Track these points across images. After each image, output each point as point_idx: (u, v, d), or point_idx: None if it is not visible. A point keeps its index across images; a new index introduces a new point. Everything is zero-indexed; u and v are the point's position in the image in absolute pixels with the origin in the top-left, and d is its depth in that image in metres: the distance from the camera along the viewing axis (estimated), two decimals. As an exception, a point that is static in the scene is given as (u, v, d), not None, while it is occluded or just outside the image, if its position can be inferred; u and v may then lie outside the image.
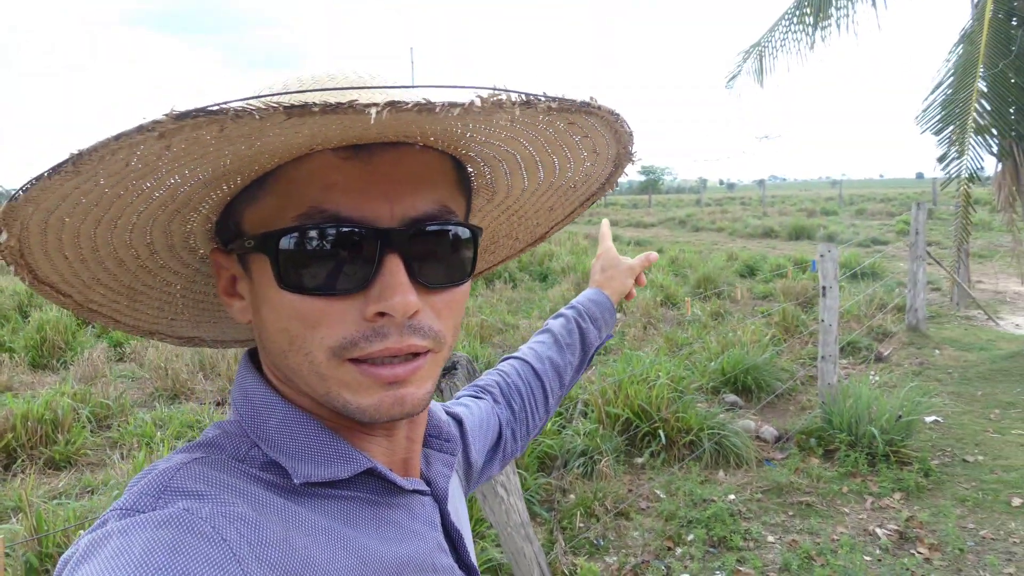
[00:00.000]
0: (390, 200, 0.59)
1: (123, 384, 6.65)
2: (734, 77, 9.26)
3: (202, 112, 0.43)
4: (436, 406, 0.80)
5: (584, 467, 4.60)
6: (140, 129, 0.43)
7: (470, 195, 0.71)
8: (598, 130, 0.63)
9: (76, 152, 0.46)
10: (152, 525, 0.50)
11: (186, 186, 0.56)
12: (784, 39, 8.15)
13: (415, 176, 0.60)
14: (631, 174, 0.87)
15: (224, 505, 0.54)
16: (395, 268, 0.58)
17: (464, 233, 0.64)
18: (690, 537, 3.89)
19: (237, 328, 0.83)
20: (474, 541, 3.56)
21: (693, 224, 25.27)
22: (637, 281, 1.32)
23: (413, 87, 0.52)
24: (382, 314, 0.58)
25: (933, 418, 5.50)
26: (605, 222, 1.41)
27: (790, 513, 4.20)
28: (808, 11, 7.80)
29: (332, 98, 0.44)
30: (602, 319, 1.25)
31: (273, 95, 0.46)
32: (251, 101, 0.43)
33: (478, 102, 0.48)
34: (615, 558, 3.74)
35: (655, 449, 4.85)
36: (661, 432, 4.87)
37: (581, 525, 4.02)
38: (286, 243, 0.58)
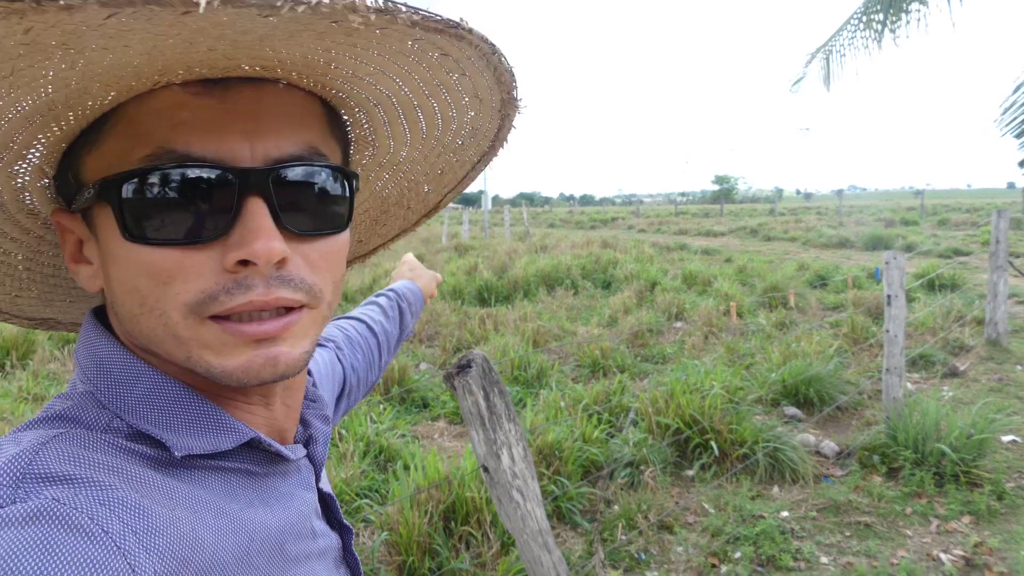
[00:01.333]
0: (250, 138, 0.53)
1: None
2: (799, 81, 8.94)
3: None
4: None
5: (630, 477, 4.46)
6: None
7: (347, 145, 0.66)
8: (475, 66, 0.56)
9: None
10: (16, 522, 0.42)
11: (3, 124, 0.49)
12: (852, 40, 7.82)
13: (278, 114, 0.55)
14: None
15: (102, 489, 0.48)
16: (257, 211, 0.52)
17: (336, 177, 0.59)
18: (737, 555, 3.71)
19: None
20: (502, 548, 3.49)
21: (765, 233, 24.60)
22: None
23: None
24: (245, 263, 0.52)
25: (1011, 438, 5.14)
26: (409, 255, 1.55)
27: (847, 533, 3.97)
28: (878, 10, 7.47)
29: None
30: (416, 305, 1.36)
31: None
32: None
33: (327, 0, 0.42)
34: (655, 573, 3.60)
35: (706, 461, 4.67)
36: (713, 443, 4.69)
37: (623, 537, 3.89)
38: (130, 188, 0.52)
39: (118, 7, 0.38)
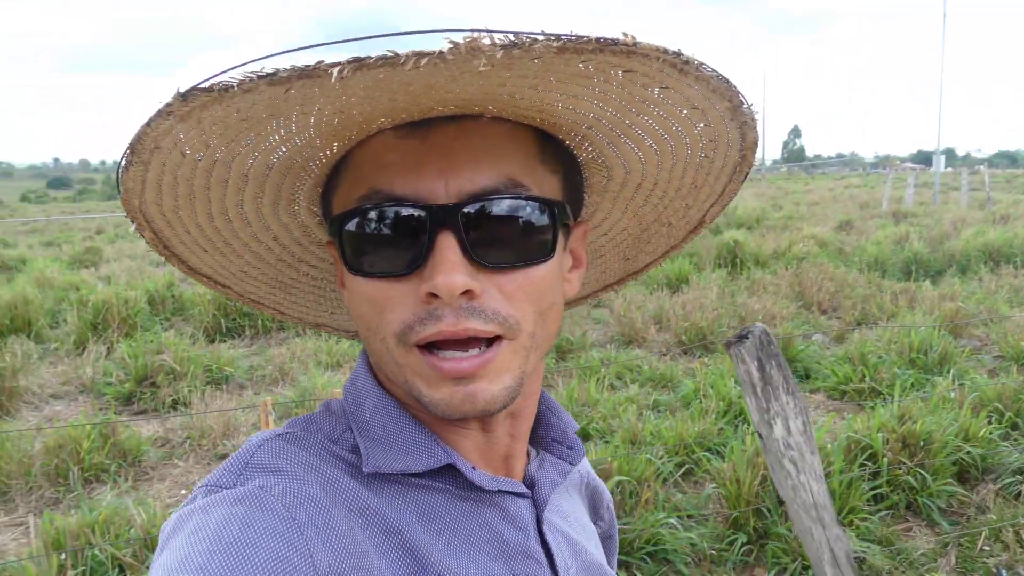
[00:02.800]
0: (444, 175, 0.56)
1: (588, 325, 7.74)
2: None
3: (195, 89, 0.44)
4: (566, 413, 0.76)
5: (1016, 487, 3.94)
6: (169, 105, 0.45)
7: (568, 170, 0.65)
8: (670, 76, 0.53)
9: (129, 144, 0.49)
10: (229, 501, 0.53)
11: (278, 173, 0.60)
12: None
13: (476, 149, 0.57)
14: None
15: (297, 483, 0.56)
16: (445, 245, 0.55)
17: (536, 207, 0.59)
18: None
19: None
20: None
21: None
22: None
23: (377, 36, 0.46)
24: (433, 295, 0.55)
25: None
26: None
27: None
28: None
29: (300, 62, 0.43)
30: None
31: (239, 66, 0.44)
32: (231, 73, 0.44)
33: (449, 46, 0.42)
34: (1015, 594, 3.23)
35: None
36: None
37: (985, 548, 3.53)
38: (347, 226, 0.58)
39: (276, 84, 0.44)
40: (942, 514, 3.83)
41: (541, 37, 0.44)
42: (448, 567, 0.59)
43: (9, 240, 19.74)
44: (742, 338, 2.28)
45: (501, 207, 0.57)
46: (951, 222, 13.72)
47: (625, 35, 0.47)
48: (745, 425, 4.70)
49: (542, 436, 0.74)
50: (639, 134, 0.63)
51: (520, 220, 0.58)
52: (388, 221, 0.57)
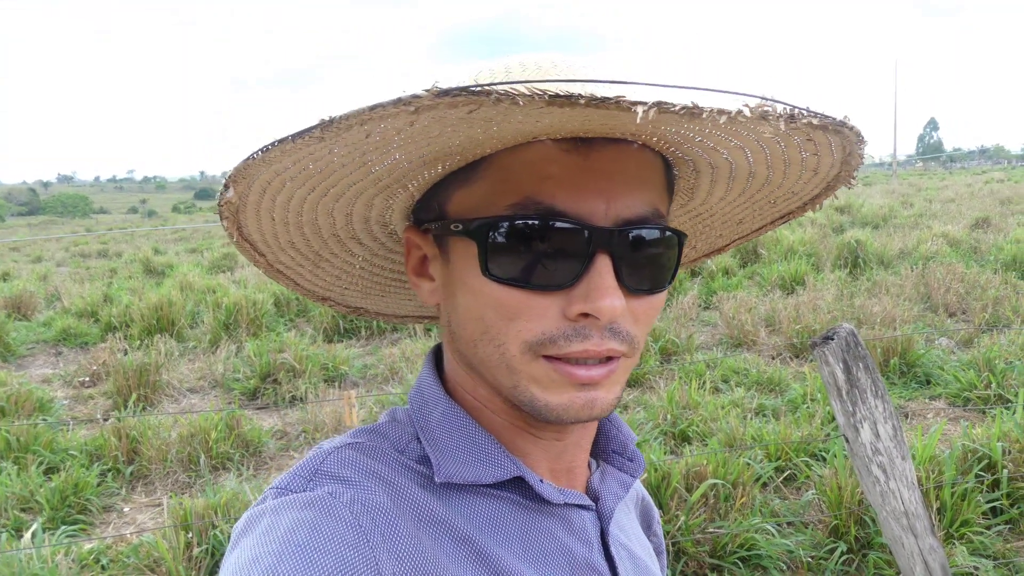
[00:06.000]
0: (606, 198, 0.57)
1: (695, 327, 7.63)
2: None
3: (463, 91, 0.42)
4: (625, 425, 0.77)
5: None
6: (397, 102, 0.43)
7: (672, 198, 0.67)
8: (831, 149, 0.59)
9: (327, 119, 0.46)
10: (299, 505, 0.54)
11: (407, 163, 0.57)
12: None
13: (631, 175, 0.58)
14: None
15: (365, 492, 0.57)
16: (605, 269, 0.56)
17: (671, 238, 0.61)
18: None
19: (400, 304, 0.84)
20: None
21: None
22: None
23: (677, 87, 0.46)
24: (586, 315, 0.56)
25: None
26: None
27: None
28: None
29: (599, 91, 0.43)
30: None
31: (527, 82, 0.44)
32: (515, 86, 0.42)
33: (746, 111, 0.45)
34: None
35: None
36: None
37: (1119, 569, 3.27)
38: (496, 233, 0.57)
39: (562, 107, 0.44)
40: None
41: (807, 112, 0.47)
42: (519, 572, 0.60)
43: (160, 248, 21.51)
44: (827, 339, 2.24)
45: (650, 236, 0.59)
46: (1105, 217, 12.53)
47: (846, 118, 0.51)
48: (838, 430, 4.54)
49: (602, 448, 0.75)
50: (747, 179, 0.67)
51: (660, 249, 0.61)
52: (546, 234, 0.56)
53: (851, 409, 2.24)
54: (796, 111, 0.46)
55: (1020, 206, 17.24)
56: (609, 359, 0.58)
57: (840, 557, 3.36)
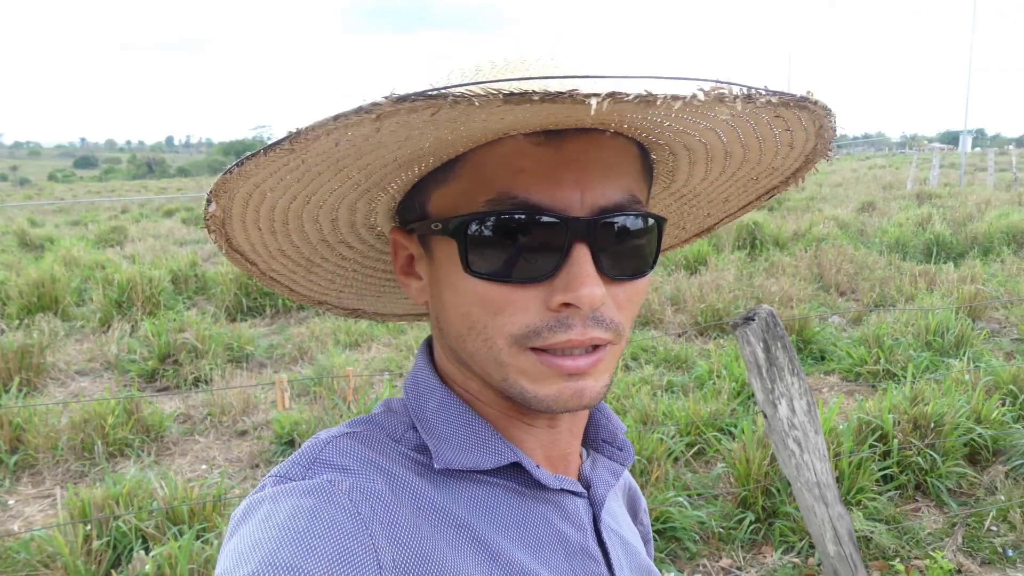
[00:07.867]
0: (581, 188, 0.57)
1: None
2: None
3: (420, 96, 0.42)
4: (615, 415, 0.78)
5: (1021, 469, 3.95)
6: (359, 111, 0.44)
7: (651, 182, 0.67)
8: (803, 125, 0.60)
9: (294, 131, 0.47)
10: (298, 493, 0.55)
11: (382, 167, 0.58)
12: None
13: (605, 164, 0.58)
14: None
15: (364, 480, 0.57)
16: (583, 259, 0.57)
17: (650, 224, 0.62)
18: None
19: (396, 303, 0.85)
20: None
21: None
22: None
23: (630, 77, 0.47)
24: (567, 305, 0.57)
25: None
26: None
27: None
28: None
29: (552, 86, 0.43)
30: None
31: (482, 82, 0.45)
32: (471, 87, 0.43)
33: (700, 95, 0.45)
34: (1021, 574, 3.25)
35: None
36: None
37: (993, 528, 3.55)
38: (474, 228, 0.57)
39: (519, 104, 0.44)
40: (951, 495, 3.85)
41: (764, 91, 0.48)
42: (519, 561, 0.61)
43: (37, 219, 20.07)
44: (748, 319, 2.31)
45: (628, 222, 0.60)
46: (976, 203, 13.54)
47: (809, 93, 0.52)
48: (756, 406, 4.73)
49: (592, 436, 0.76)
50: (724, 158, 0.68)
51: (639, 234, 0.61)
52: (521, 228, 0.57)
53: (770, 386, 2.32)
54: (753, 91, 0.47)
55: (901, 191, 18.41)
56: (595, 348, 0.59)
57: (748, 526, 3.51)
